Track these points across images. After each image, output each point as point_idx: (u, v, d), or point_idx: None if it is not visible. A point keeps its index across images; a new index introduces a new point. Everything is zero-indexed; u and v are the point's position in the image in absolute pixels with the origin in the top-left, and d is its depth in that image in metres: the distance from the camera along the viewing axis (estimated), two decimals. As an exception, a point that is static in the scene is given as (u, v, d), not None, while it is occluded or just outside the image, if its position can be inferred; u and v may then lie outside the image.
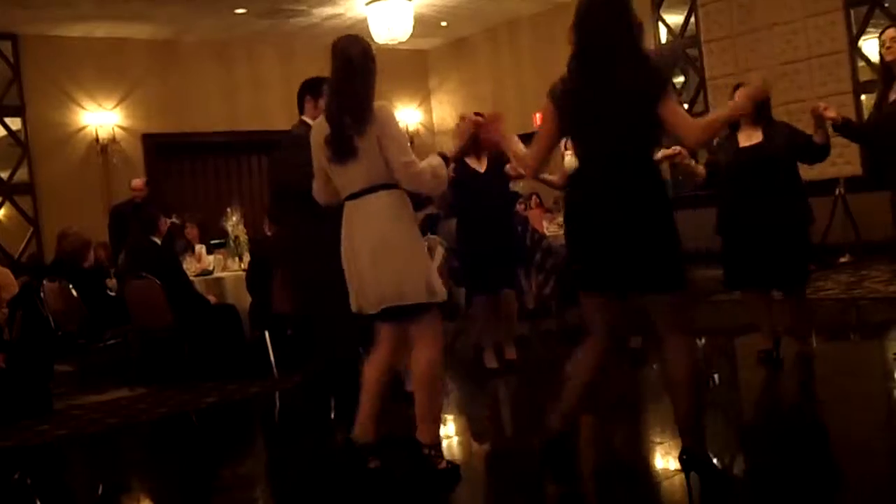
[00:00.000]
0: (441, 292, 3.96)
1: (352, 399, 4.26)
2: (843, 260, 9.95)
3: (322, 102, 4.57)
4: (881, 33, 5.36)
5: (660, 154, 4.27)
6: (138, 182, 10.60)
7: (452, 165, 4.61)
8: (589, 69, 3.50)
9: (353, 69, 3.96)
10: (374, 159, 3.88)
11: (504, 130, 4.14)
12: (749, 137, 5.59)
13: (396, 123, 3.99)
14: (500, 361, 6.47)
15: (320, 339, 5.04)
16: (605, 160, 3.52)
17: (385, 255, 3.87)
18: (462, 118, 4.17)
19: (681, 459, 3.61)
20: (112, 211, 10.62)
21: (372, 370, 4.10)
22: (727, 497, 3.57)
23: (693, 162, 5.46)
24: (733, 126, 5.56)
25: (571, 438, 3.99)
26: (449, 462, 4.05)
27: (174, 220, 9.24)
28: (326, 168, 4.03)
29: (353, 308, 4.05)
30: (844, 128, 5.41)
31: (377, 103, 3.93)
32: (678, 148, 4.73)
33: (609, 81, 3.44)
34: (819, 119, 5.33)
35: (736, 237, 5.65)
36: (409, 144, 3.98)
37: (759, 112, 5.42)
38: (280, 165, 5.03)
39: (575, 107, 3.57)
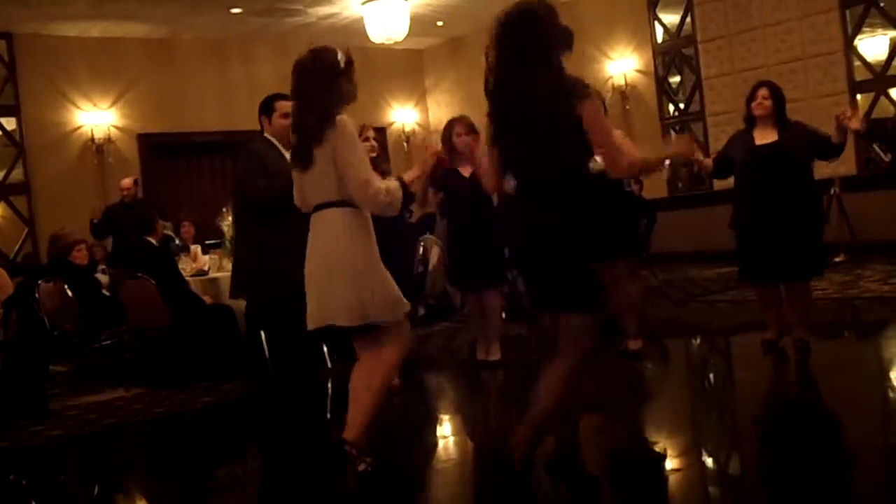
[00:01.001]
0: (404, 308, 4.01)
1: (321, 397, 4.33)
2: (837, 259, 9.95)
3: (274, 119, 5.17)
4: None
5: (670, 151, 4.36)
6: (127, 181, 10.54)
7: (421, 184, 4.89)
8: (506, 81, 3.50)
9: (313, 76, 3.97)
10: (329, 174, 3.89)
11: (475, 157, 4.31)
12: (765, 136, 5.75)
13: (355, 139, 3.94)
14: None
15: (279, 348, 5.44)
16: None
17: (339, 275, 3.88)
18: (426, 147, 4.37)
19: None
20: (104, 211, 10.60)
21: (353, 378, 4.06)
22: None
23: (702, 156, 5.72)
24: (750, 122, 5.82)
25: (574, 454, 3.92)
26: (371, 464, 3.94)
27: (166, 230, 9.18)
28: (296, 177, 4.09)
29: (309, 322, 4.04)
30: (871, 135, 5.65)
31: (339, 116, 3.90)
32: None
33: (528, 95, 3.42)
34: (841, 124, 5.54)
35: (750, 232, 5.83)
36: (367, 163, 3.96)
37: (777, 112, 5.71)
38: (238, 178, 5.32)
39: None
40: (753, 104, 5.79)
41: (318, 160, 3.89)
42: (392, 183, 4.02)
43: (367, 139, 4.97)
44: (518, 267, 3.73)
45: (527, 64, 3.39)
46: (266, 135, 5.23)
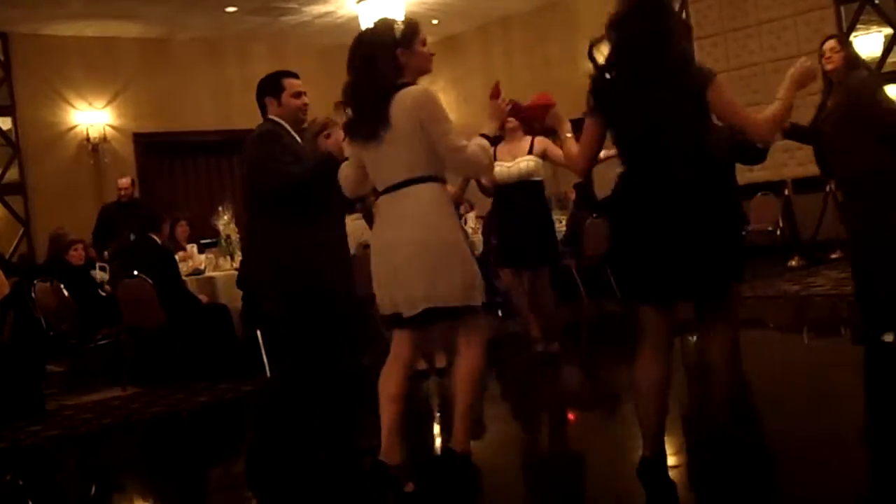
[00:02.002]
0: (482, 295, 3.71)
1: (341, 406, 4.29)
2: (833, 256, 9.97)
3: (284, 98, 4.54)
4: (822, 44, 5.59)
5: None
6: (125, 181, 10.53)
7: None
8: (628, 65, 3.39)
9: (369, 48, 3.74)
10: (414, 149, 3.63)
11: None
12: None
13: (442, 107, 3.73)
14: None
15: (305, 345, 4.71)
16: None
17: (425, 254, 3.60)
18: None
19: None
20: (100, 210, 10.59)
21: (389, 385, 3.79)
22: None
23: None
24: None
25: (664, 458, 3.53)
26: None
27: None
28: (360, 157, 3.80)
29: (382, 310, 3.79)
30: (793, 132, 5.60)
31: (419, 87, 3.71)
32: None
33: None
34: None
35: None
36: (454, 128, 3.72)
37: None
38: (252, 166, 4.53)
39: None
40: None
41: (393, 136, 3.61)
42: (481, 140, 3.76)
43: (329, 136, 4.69)
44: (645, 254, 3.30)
45: (656, 46, 3.36)
46: (272, 117, 4.57)
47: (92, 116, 12.30)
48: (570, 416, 5.40)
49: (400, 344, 3.84)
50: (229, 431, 6.00)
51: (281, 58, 13.50)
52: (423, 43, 3.81)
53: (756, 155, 5.58)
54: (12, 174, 11.78)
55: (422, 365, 6.19)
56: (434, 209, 3.66)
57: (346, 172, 3.96)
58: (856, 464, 3.76)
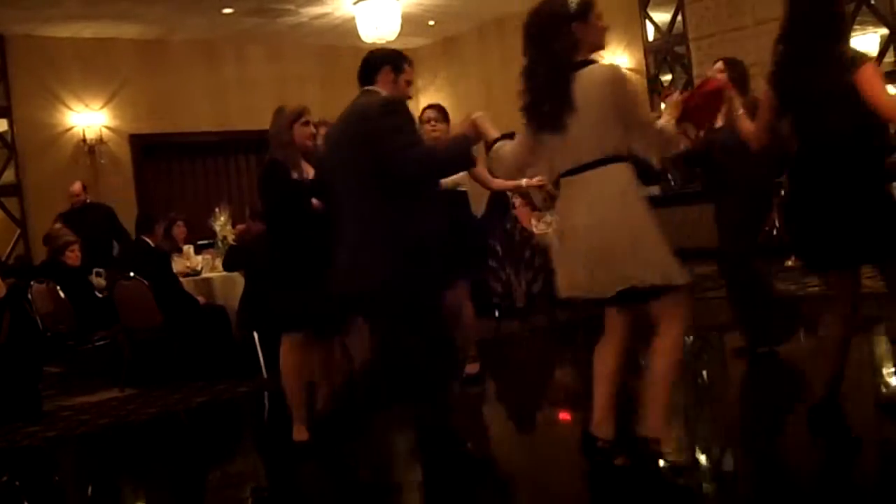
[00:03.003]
0: (681, 274, 3.58)
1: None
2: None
3: (401, 80, 4.17)
4: (713, 64, 5.84)
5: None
6: (76, 186, 10.14)
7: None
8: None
9: (543, 22, 3.61)
10: (604, 128, 3.53)
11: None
12: None
13: (633, 84, 3.68)
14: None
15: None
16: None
17: (619, 235, 3.50)
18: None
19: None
20: (55, 220, 10.19)
21: (606, 360, 3.77)
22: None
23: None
24: None
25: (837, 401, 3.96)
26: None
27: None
28: (535, 138, 3.72)
29: (568, 292, 3.70)
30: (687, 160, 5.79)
31: (606, 65, 3.63)
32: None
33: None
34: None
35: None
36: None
37: None
38: (376, 140, 3.90)
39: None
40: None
41: (579, 116, 3.50)
42: (666, 117, 3.77)
43: (307, 122, 4.61)
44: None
45: (820, 37, 3.73)
46: (377, 88, 4.11)
47: (88, 118, 12.29)
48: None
49: (612, 322, 3.79)
50: (226, 432, 6.00)
51: (278, 59, 13.55)
52: (599, 16, 3.69)
53: (653, 175, 5.89)
54: (9, 176, 11.77)
55: (473, 368, 6.05)
56: (629, 189, 3.58)
57: (504, 153, 3.89)
58: (854, 463, 3.76)
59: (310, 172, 4.71)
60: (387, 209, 3.93)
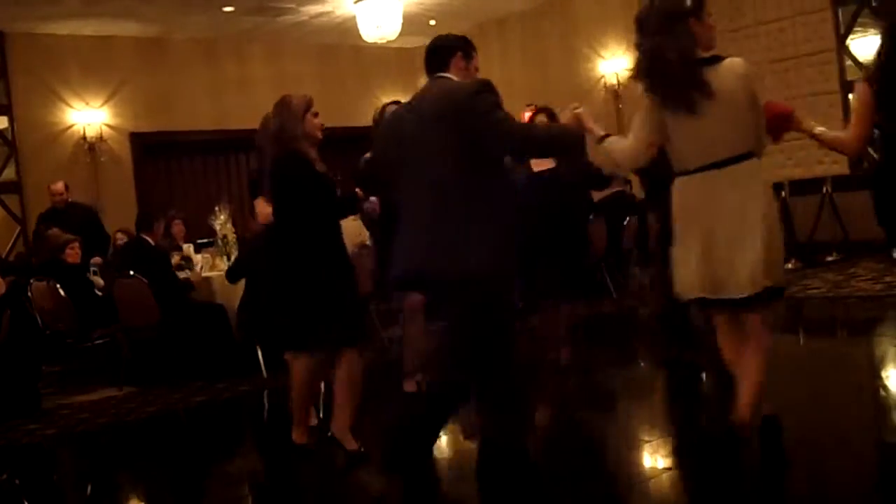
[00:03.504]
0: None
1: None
2: (830, 258, 9.99)
3: (471, 66, 3.95)
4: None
5: None
6: (58, 185, 9.78)
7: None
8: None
9: (659, 18, 3.61)
10: (743, 123, 3.55)
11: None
12: (542, 163, 5.86)
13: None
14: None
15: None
16: None
17: (769, 234, 3.51)
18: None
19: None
20: (37, 219, 10.01)
21: (733, 353, 3.80)
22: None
23: None
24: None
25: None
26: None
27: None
28: (663, 127, 3.67)
29: (695, 293, 3.66)
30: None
31: (742, 60, 3.59)
32: None
33: None
34: None
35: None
36: None
37: None
38: (480, 115, 3.64)
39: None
40: None
41: (717, 109, 3.51)
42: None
43: (316, 114, 4.50)
44: None
45: None
46: (449, 74, 3.91)
47: (89, 116, 12.29)
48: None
49: (729, 323, 3.79)
50: (226, 431, 6.00)
51: (278, 58, 13.54)
52: (710, 14, 3.68)
53: (603, 180, 6.01)
54: (9, 173, 11.76)
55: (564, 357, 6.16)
56: (766, 187, 3.61)
57: (619, 147, 3.82)
58: (854, 463, 3.76)
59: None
60: (486, 191, 3.66)
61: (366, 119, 7.30)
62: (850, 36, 10.76)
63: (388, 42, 11.90)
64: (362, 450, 4.43)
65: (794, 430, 4.23)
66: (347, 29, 12.20)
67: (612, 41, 12.87)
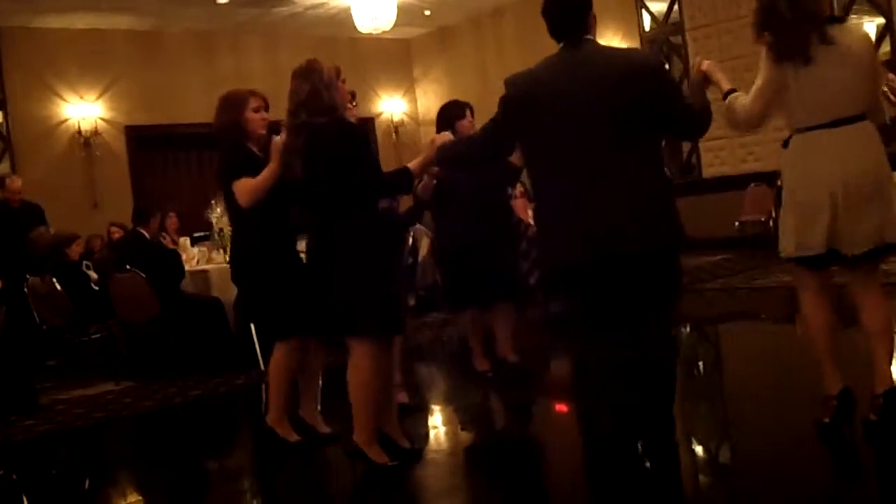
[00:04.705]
0: None
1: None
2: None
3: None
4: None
5: None
6: (19, 183, 9.28)
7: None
8: None
9: None
10: (862, 82, 3.56)
11: None
12: None
13: None
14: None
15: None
16: None
17: (886, 192, 3.57)
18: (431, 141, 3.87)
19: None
20: None
21: (820, 316, 3.82)
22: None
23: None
24: None
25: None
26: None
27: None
28: (787, 82, 3.58)
29: (803, 250, 3.67)
30: None
31: (861, 23, 3.66)
32: None
33: None
34: None
35: None
36: None
37: None
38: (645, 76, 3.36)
39: None
40: (464, 122, 5.70)
41: (843, 67, 3.51)
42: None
43: (344, 81, 4.26)
44: None
45: None
46: (589, 37, 3.48)
47: (83, 110, 12.26)
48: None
49: (823, 283, 3.81)
50: (223, 425, 6.00)
51: (274, 49, 13.50)
52: None
53: (514, 173, 5.69)
54: (4, 168, 11.70)
55: (483, 366, 5.98)
56: (883, 146, 3.64)
57: (741, 103, 3.69)
58: (855, 453, 3.77)
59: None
60: (659, 164, 3.49)
61: (361, 110, 7.25)
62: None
63: (384, 33, 11.88)
64: (332, 433, 4.57)
65: (791, 420, 4.23)
66: (342, 20, 12.17)
67: (606, 30, 12.84)
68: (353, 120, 4.41)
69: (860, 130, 3.56)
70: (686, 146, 12.13)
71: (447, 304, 6.71)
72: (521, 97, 3.44)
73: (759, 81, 3.63)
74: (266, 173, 4.27)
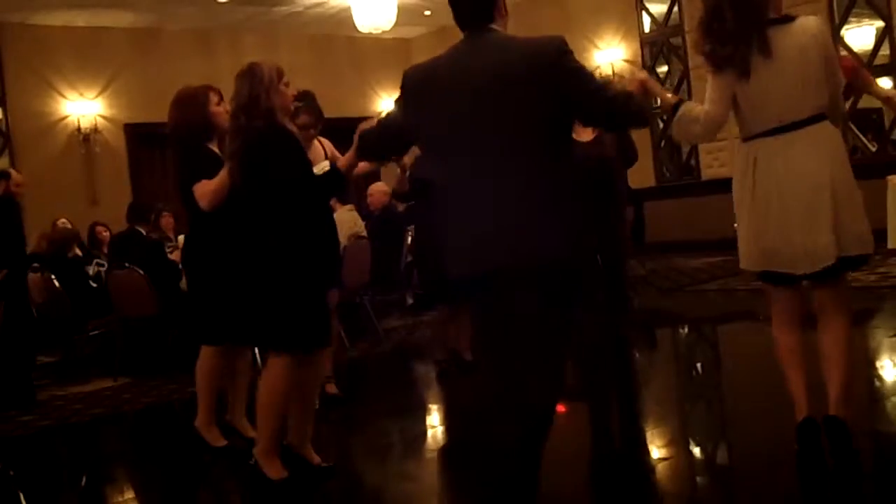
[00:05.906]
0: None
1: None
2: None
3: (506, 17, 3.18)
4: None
5: None
6: (22, 177, 8.53)
7: None
8: None
9: None
10: (815, 83, 3.35)
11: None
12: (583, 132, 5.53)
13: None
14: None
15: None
16: None
17: (850, 197, 3.34)
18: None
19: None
20: None
21: (791, 340, 3.63)
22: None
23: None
24: None
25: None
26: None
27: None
28: (733, 89, 3.44)
29: (766, 265, 3.47)
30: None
31: (816, 18, 3.44)
32: None
33: None
34: None
35: None
36: None
37: None
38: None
39: None
40: None
41: (784, 69, 3.34)
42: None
43: (287, 84, 4.15)
44: None
45: None
46: (495, 26, 3.13)
47: (83, 107, 12.26)
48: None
49: (791, 301, 3.58)
50: (220, 422, 5.98)
51: (273, 48, 13.49)
52: None
53: (633, 159, 5.92)
54: (3, 164, 11.70)
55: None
56: (838, 150, 3.40)
57: (697, 113, 3.50)
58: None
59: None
60: (559, 165, 2.93)
61: (361, 110, 7.27)
62: (845, 26, 10.76)
63: (383, 32, 11.88)
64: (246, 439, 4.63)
65: (789, 420, 4.23)
66: (342, 19, 12.17)
67: (606, 32, 12.86)
68: (293, 125, 4.35)
69: (819, 132, 3.36)
70: (686, 147, 12.14)
71: (416, 301, 6.74)
72: (415, 90, 3.18)
73: (709, 91, 3.50)
74: (223, 174, 4.24)
